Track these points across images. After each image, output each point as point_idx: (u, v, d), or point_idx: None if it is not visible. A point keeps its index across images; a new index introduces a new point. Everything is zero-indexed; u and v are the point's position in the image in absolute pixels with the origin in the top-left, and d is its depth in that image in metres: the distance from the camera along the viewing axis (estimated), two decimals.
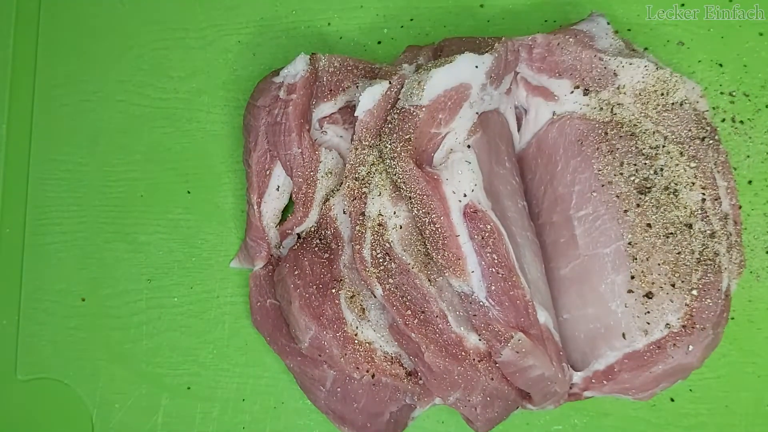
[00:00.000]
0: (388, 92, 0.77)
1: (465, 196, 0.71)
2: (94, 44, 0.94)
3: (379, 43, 0.90)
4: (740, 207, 0.79)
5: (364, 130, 0.77)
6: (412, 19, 0.90)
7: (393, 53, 0.89)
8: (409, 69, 0.78)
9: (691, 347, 0.72)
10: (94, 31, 0.94)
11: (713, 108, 0.85)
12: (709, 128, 0.78)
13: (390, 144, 0.73)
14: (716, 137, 0.78)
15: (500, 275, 0.70)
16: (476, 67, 0.74)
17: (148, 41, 0.93)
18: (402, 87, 0.76)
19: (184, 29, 0.93)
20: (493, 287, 0.70)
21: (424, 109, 0.72)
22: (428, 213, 0.71)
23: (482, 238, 0.70)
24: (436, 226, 0.71)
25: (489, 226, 0.70)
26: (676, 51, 0.86)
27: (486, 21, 0.89)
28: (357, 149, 0.77)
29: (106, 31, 0.94)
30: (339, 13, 0.91)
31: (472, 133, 0.75)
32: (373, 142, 0.77)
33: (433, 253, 0.71)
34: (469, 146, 0.74)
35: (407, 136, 0.72)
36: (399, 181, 0.72)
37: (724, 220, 0.75)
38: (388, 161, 0.73)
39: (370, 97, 0.76)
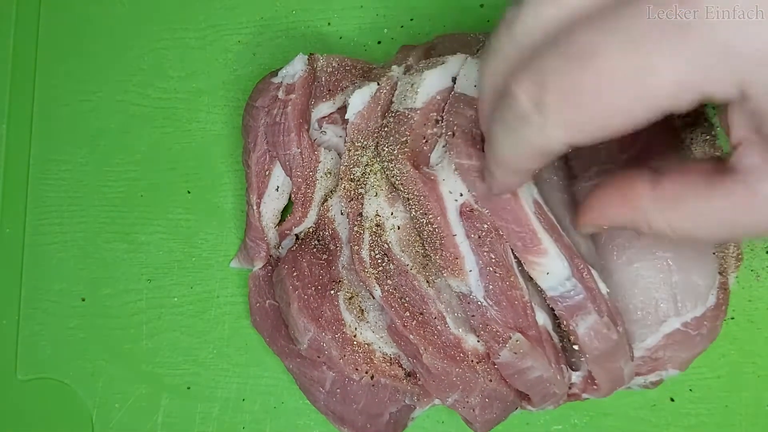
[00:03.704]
0: (378, 93, 0.77)
1: (461, 195, 0.71)
2: (94, 44, 0.94)
3: (379, 43, 0.90)
4: None
5: (356, 131, 0.77)
6: (412, 19, 0.90)
7: (393, 53, 0.88)
8: (398, 70, 0.78)
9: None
10: (94, 31, 0.94)
11: (713, 108, 0.85)
12: (706, 124, 0.78)
13: (387, 147, 0.73)
14: (713, 133, 0.78)
15: (498, 275, 0.70)
16: None
17: (148, 41, 0.93)
18: (392, 88, 0.77)
19: (183, 29, 0.93)
20: (491, 287, 0.70)
21: (418, 111, 0.73)
22: (425, 214, 0.71)
23: (479, 237, 0.70)
24: (433, 226, 0.71)
25: (486, 225, 0.70)
26: None
27: (486, 21, 0.89)
28: (350, 151, 0.77)
29: (106, 31, 0.94)
30: (339, 13, 0.91)
31: None
32: (365, 143, 0.77)
33: (432, 254, 0.71)
34: None
35: (403, 139, 0.72)
36: (397, 183, 0.72)
37: None
38: (386, 163, 0.73)
39: (359, 99, 0.77)
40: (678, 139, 0.77)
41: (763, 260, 0.83)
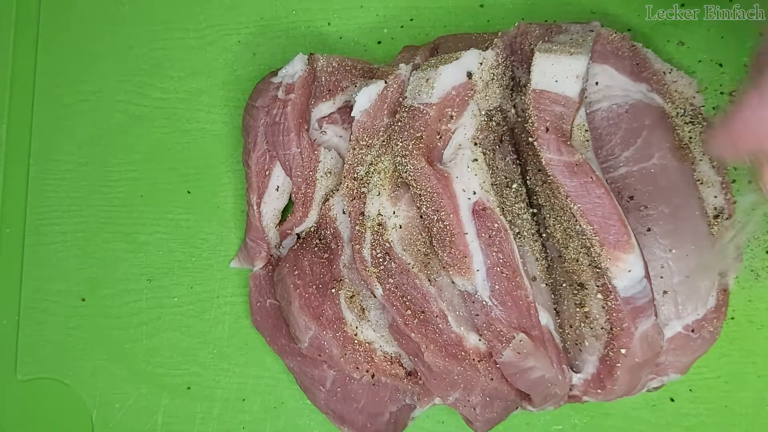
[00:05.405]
0: (384, 92, 0.77)
1: (474, 193, 0.71)
2: (94, 44, 0.94)
3: (379, 43, 0.90)
4: (735, 202, 0.79)
5: (361, 130, 0.77)
6: (412, 19, 0.90)
7: (393, 53, 0.88)
8: (406, 69, 0.78)
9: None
10: (94, 31, 0.94)
11: (713, 108, 0.85)
12: (705, 123, 0.78)
13: (401, 142, 0.73)
14: None
15: (504, 275, 0.70)
16: (480, 63, 0.75)
17: (148, 41, 0.93)
18: (399, 87, 0.77)
19: (184, 29, 0.93)
20: (497, 287, 0.70)
21: (434, 106, 0.73)
22: (437, 210, 0.71)
23: (489, 236, 0.71)
24: (444, 223, 0.71)
25: (496, 225, 0.71)
26: (676, 51, 0.86)
27: (486, 21, 0.89)
28: (355, 149, 0.77)
29: (106, 31, 0.94)
30: (339, 13, 0.91)
31: (480, 129, 0.75)
32: (370, 141, 0.77)
33: (439, 251, 0.71)
34: (476, 143, 0.74)
35: (418, 134, 0.72)
36: (410, 178, 0.72)
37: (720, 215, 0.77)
38: (398, 158, 0.73)
39: (365, 98, 0.77)
40: (678, 137, 0.77)
41: (763, 260, 0.83)
